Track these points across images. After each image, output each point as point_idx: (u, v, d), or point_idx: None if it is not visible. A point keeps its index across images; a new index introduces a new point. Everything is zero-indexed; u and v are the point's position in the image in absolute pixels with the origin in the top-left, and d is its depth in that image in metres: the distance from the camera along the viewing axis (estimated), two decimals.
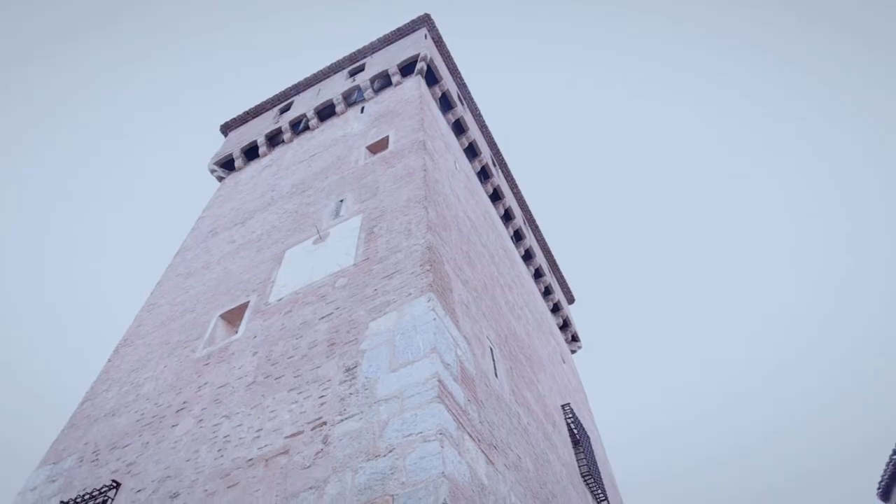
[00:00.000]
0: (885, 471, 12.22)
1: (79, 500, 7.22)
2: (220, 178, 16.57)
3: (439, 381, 5.83)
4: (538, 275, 18.88)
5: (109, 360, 10.30)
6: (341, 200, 11.06)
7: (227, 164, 16.74)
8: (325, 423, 6.11)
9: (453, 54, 17.97)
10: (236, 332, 9.06)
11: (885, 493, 12.42)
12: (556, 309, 19.55)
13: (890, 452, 11.93)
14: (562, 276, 21.50)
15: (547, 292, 19.18)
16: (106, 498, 7.00)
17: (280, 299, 8.94)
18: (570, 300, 22.27)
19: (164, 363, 9.20)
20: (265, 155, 16.26)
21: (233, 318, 9.55)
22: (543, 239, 20.70)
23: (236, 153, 16.54)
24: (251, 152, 16.72)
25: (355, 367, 6.61)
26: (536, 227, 20.51)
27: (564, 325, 19.87)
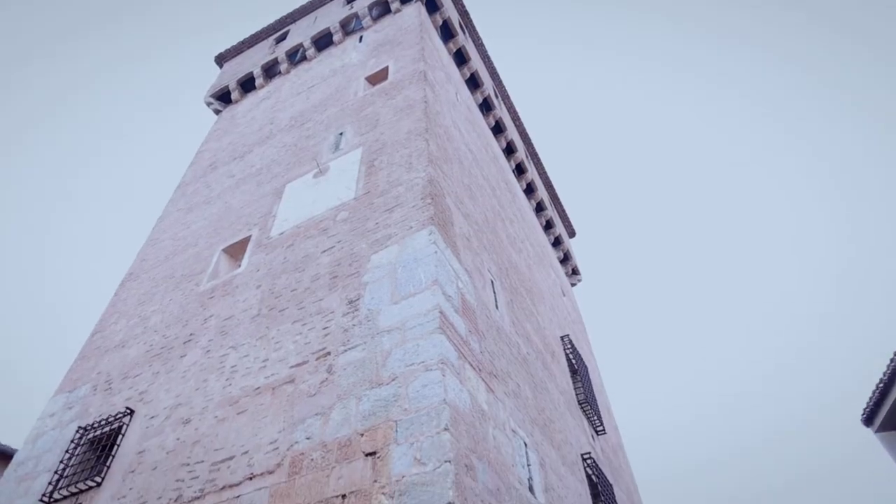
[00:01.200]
0: (871, 398, 12.60)
1: (95, 425, 7.51)
2: (217, 112, 16.26)
3: (441, 312, 5.92)
4: (539, 209, 18.84)
5: (116, 294, 10.46)
6: (341, 133, 10.89)
7: (224, 97, 16.38)
8: (329, 354, 6.27)
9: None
10: (239, 265, 9.14)
11: (868, 419, 12.85)
12: (556, 243, 19.62)
13: (877, 381, 12.26)
14: (563, 210, 21.45)
15: (548, 226, 19.19)
16: (121, 424, 7.28)
17: (282, 233, 8.97)
18: (571, 234, 22.32)
19: (169, 297, 9.34)
20: (262, 87, 15.89)
21: (235, 252, 9.62)
22: (545, 173, 20.52)
23: (232, 85, 16.16)
24: (247, 84, 16.33)
25: (358, 299, 6.70)
26: (538, 160, 20.28)
27: (565, 259, 20.00)
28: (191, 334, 8.12)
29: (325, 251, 7.91)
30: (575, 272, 20.59)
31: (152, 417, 7.12)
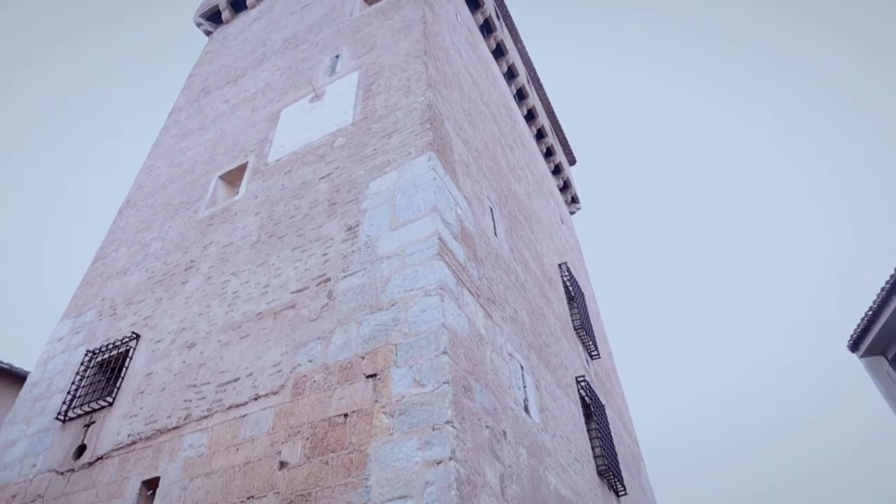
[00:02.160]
0: (859, 325, 12.88)
1: (103, 349, 7.70)
2: (208, 33, 15.67)
3: (440, 239, 5.94)
4: (540, 135, 18.53)
5: (115, 222, 10.45)
6: (337, 56, 10.55)
7: (214, 17, 15.74)
8: (329, 280, 6.34)
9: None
10: (237, 192, 9.08)
11: (854, 345, 13.19)
12: (556, 170, 19.44)
13: (866, 309, 12.50)
14: (564, 138, 21.12)
15: (548, 153, 18.95)
16: (128, 348, 7.46)
17: (279, 160, 8.86)
18: (572, 162, 22.08)
19: (168, 224, 9.34)
20: (253, 6, 15.24)
21: (232, 179, 9.53)
22: (547, 99, 20.04)
23: (222, 4, 15.49)
24: (238, 4, 15.65)
25: (357, 225, 6.71)
26: (540, 85, 19.76)
27: (565, 187, 19.88)
28: (191, 261, 8.17)
29: (323, 178, 7.84)
30: (574, 200, 20.52)
31: (158, 342, 7.29)
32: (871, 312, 12.45)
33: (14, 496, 6.59)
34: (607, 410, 10.65)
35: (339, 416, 5.07)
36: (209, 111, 11.83)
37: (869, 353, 13.05)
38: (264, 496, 4.93)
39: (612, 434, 10.17)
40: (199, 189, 9.63)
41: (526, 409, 6.48)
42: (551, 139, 19.07)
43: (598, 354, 11.65)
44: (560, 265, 12.04)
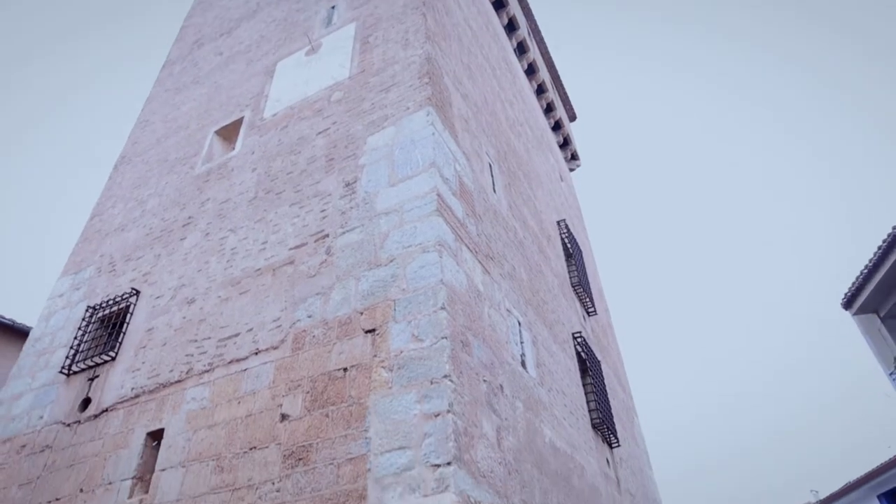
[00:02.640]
0: (854, 283, 12.97)
1: (103, 305, 7.75)
2: None
3: (438, 195, 5.91)
4: (540, 91, 18.23)
5: (111, 178, 10.37)
6: (333, 7, 10.26)
7: None
8: (327, 236, 6.33)
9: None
10: (233, 148, 8.98)
11: (848, 303, 13.31)
12: (556, 126, 19.20)
13: (861, 272, 12.55)
14: (564, 93, 20.78)
15: (548, 109, 18.68)
16: (128, 304, 7.51)
17: (275, 114, 8.73)
18: (572, 118, 21.78)
19: (164, 180, 9.27)
20: None
21: (228, 134, 9.41)
22: (548, 52, 19.62)
23: None
24: None
25: (355, 181, 6.66)
26: (541, 39, 19.31)
27: (564, 143, 19.68)
28: (189, 217, 8.15)
29: (320, 133, 7.74)
30: (574, 157, 20.35)
31: (158, 297, 7.33)
32: (866, 271, 12.52)
33: (23, 446, 6.75)
34: (602, 365, 10.82)
35: (339, 370, 5.14)
36: (203, 64, 11.58)
37: (862, 310, 13.18)
38: (266, 447, 5.05)
39: (607, 388, 10.36)
40: (195, 144, 9.52)
41: (523, 364, 6.58)
42: (552, 94, 18.77)
43: (595, 311, 11.76)
44: (559, 222, 12.03)
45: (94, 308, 7.78)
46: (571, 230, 12.78)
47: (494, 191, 8.21)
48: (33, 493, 6.21)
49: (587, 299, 11.34)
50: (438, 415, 4.42)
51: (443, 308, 5.00)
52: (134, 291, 7.59)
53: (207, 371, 6.02)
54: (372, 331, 5.21)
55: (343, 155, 7.13)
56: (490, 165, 8.48)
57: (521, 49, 17.35)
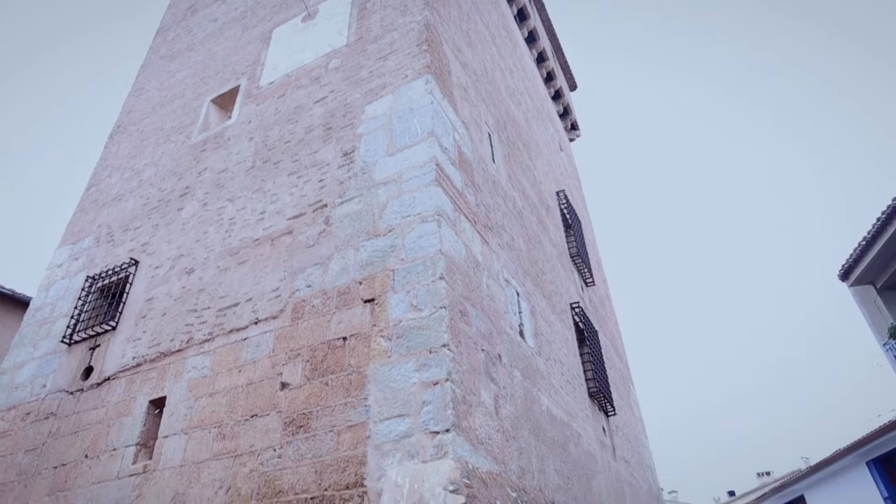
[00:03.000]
0: (851, 255, 13.00)
1: (103, 275, 7.76)
2: None
3: (437, 164, 5.87)
4: (541, 59, 17.97)
5: (106, 148, 10.28)
6: None
7: None
8: (325, 206, 6.31)
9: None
10: (230, 117, 8.89)
11: (845, 274, 13.37)
12: (557, 96, 18.99)
13: (860, 239, 12.57)
14: (565, 62, 20.49)
15: (549, 78, 18.44)
16: (128, 273, 7.52)
17: (272, 83, 8.61)
18: (573, 87, 21.53)
19: (160, 149, 9.19)
20: None
21: (224, 102, 9.30)
22: (549, 20, 19.28)
23: None
24: None
25: (353, 151, 6.61)
26: (542, 6, 18.95)
27: (565, 113, 19.49)
28: (186, 187, 8.11)
29: (317, 102, 7.65)
30: (574, 127, 20.18)
31: (157, 267, 7.34)
32: (864, 242, 12.54)
33: (28, 413, 6.83)
34: (600, 335, 10.91)
35: (338, 339, 5.18)
36: (197, 31, 11.38)
37: (858, 282, 13.24)
38: (267, 415, 5.12)
39: (604, 358, 10.46)
40: (191, 113, 9.41)
41: (521, 333, 6.63)
42: (552, 63, 18.50)
43: (593, 281, 11.81)
44: (558, 192, 11.99)
45: (93, 278, 7.79)
46: (570, 200, 12.75)
47: (493, 160, 8.16)
48: (39, 459, 6.31)
49: (585, 270, 11.37)
50: (437, 383, 4.47)
51: (441, 278, 5.01)
52: (133, 261, 7.60)
53: (208, 340, 6.07)
54: (371, 300, 5.24)
55: (341, 124, 7.06)
56: (489, 135, 8.41)
57: (521, 16, 17.05)
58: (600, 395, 8.94)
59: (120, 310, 7.16)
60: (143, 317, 6.88)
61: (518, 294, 6.99)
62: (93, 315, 7.40)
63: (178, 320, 6.51)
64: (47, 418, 6.63)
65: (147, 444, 5.78)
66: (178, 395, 5.84)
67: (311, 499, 4.48)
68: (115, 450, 5.85)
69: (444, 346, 4.63)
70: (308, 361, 5.21)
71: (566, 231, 11.60)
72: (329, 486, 4.46)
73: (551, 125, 15.64)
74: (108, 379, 6.53)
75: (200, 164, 8.30)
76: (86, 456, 6.01)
